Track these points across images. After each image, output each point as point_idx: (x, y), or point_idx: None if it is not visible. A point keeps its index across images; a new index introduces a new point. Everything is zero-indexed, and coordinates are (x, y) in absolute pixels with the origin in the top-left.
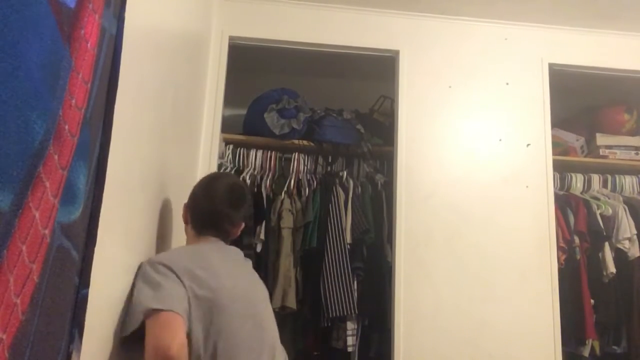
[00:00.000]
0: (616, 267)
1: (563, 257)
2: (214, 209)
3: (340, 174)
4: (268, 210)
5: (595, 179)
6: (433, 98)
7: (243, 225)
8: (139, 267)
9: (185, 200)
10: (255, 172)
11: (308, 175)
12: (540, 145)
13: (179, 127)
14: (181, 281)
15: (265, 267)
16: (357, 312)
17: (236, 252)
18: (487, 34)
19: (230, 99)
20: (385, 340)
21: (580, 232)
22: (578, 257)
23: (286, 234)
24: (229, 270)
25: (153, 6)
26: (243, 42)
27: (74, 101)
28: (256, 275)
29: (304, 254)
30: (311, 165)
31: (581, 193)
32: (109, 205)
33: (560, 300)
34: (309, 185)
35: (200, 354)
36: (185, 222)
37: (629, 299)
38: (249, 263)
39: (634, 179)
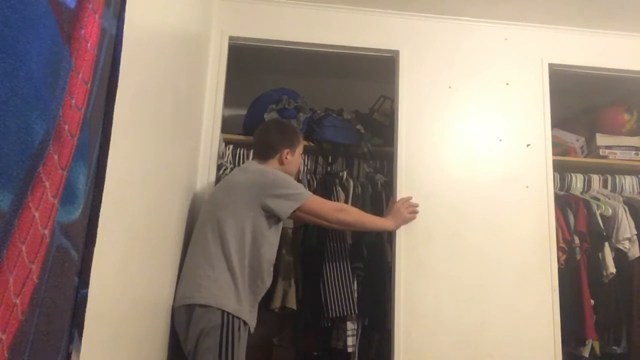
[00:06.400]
0: (616, 267)
1: (563, 257)
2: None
3: (340, 174)
4: None
5: (595, 179)
6: (433, 98)
7: (284, 150)
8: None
9: (185, 201)
10: None
11: (308, 175)
12: (540, 146)
13: (179, 127)
14: None
15: None
16: (357, 312)
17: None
18: (487, 34)
19: (230, 99)
20: (385, 340)
21: (580, 232)
22: (578, 257)
23: (286, 234)
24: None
25: (153, 6)
26: (243, 42)
27: (73, 101)
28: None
29: (304, 254)
30: (311, 165)
31: (581, 193)
32: (109, 205)
33: (560, 300)
34: (309, 185)
35: None
36: None
37: (629, 299)
38: (253, 168)
39: (634, 179)
